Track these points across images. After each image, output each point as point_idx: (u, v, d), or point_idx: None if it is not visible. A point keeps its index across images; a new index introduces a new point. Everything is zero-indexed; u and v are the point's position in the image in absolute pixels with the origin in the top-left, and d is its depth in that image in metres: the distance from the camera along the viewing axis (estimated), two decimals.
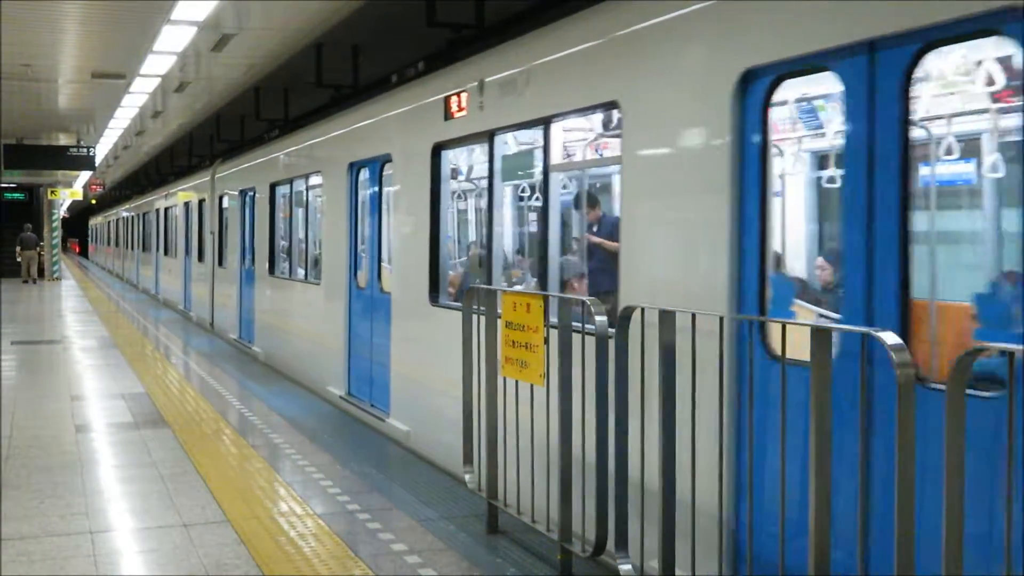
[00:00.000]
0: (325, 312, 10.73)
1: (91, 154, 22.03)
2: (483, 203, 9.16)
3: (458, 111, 7.28)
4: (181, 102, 16.97)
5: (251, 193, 14.88)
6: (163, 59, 12.66)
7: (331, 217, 10.61)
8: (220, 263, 17.31)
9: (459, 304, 6.20)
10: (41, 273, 31.14)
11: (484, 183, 8.14)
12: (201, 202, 19.36)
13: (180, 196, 22.13)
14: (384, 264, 9.32)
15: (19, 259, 30.52)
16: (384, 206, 9.35)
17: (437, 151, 7.71)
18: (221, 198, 17.51)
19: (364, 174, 9.75)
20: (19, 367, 12.28)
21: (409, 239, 8.28)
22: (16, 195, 35.97)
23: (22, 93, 15.52)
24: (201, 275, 19.14)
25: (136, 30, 11.09)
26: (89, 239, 57.76)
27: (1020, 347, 2.67)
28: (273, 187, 13.50)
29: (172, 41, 11.53)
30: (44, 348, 14.17)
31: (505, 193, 8.26)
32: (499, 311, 5.44)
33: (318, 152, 11.36)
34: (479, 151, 8.36)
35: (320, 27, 10.85)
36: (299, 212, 12.92)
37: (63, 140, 22.44)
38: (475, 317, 5.69)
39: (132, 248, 33.59)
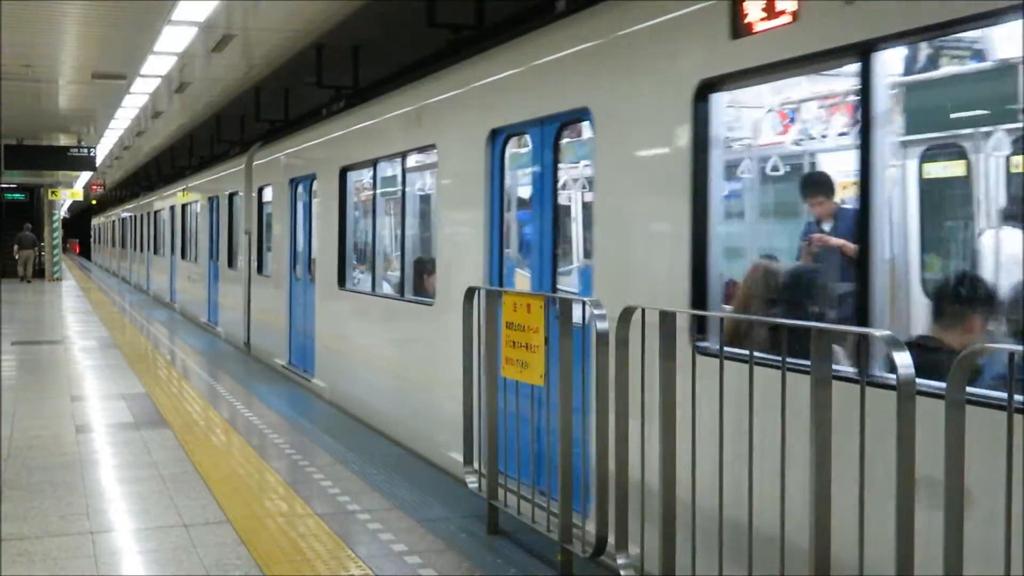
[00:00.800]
0: (444, 345, 7.19)
1: (92, 155, 22.05)
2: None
3: (768, 19, 4.33)
4: (182, 103, 16.98)
5: (308, 182, 11.77)
6: (164, 60, 12.67)
7: (453, 210, 7.58)
8: (260, 270, 14.19)
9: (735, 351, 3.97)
10: (41, 273, 31.29)
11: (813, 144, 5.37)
12: (232, 196, 16.21)
13: (202, 190, 19.05)
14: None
15: (16, 257, 30.69)
16: (563, 190, 6.73)
17: (704, 94, 4.68)
18: (261, 190, 14.27)
19: (520, 144, 6.90)
20: (19, 367, 12.27)
21: (639, 244, 5.24)
22: (17, 195, 35.99)
23: (22, 93, 15.52)
24: (232, 284, 15.86)
25: (137, 31, 11.10)
26: (92, 239, 57.06)
27: (1020, 347, 2.68)
28: (345, 172, 10.22)
29: (173, 42, 11.54)
30: (45, 348, 14.17)
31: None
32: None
33: (428, 119, 8.03)
34: (805, 87, 5.20)
35: (320, 27, 10.85)
36: (387, 205, 9.70)
37: (63, 141, 22.47)
38: (475, 317, 5.69)
39: (141, 250, 30.02)
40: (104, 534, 5.49)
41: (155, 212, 26.50)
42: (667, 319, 4.13)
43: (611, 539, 4.49)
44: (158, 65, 13.05)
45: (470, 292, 5.79)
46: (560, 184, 6.56)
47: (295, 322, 12.21)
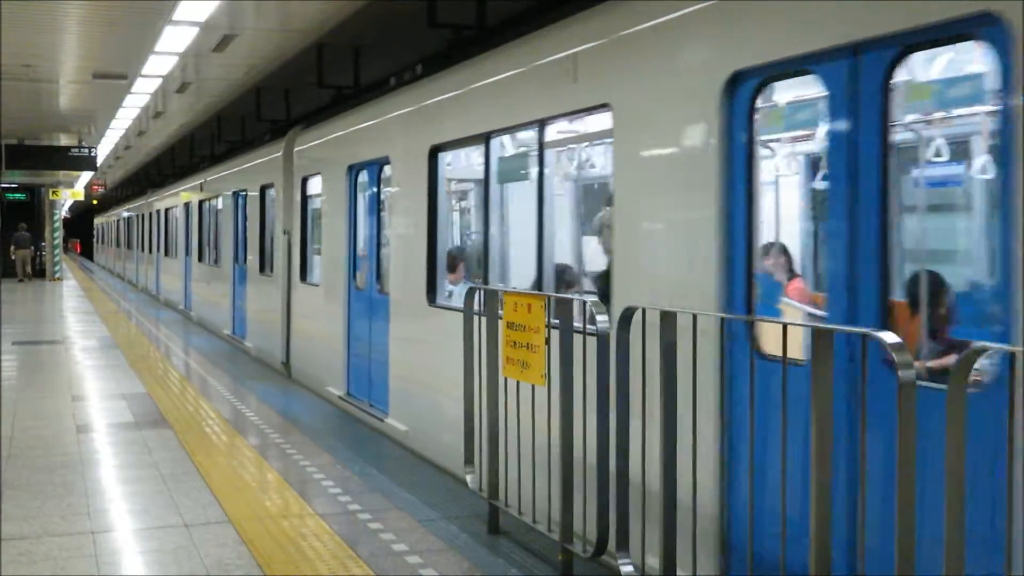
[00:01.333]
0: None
1: (92, 154, 22.09)
2: None
3: None
4: (182, 102, 16.99)
5: (376, 169, 9.42)
6: (164, 59, 12.69)
7: (644, 199, 5.11)
8: (303, 277, 11.87)
9: None
10: (42, 273, 31.53)
11: None
12: (265, 190, 13.75)
13: (224, 184, 16.74)
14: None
15: (13, 258, 30.99)
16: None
17: None
18: (305, 181, 11.85)
19: (837, 83, 3.97)
20: (20, 367, 12.27)
21: None
22: (17, 195, 36.09)
23: (23, 93, 15.55)
24: (265, 293, 13.50)
25: (137, 30, 11.11)
26: (95, 240, 55.94)
27: (1020, 347, 2.68)
28: (435, 153, 7.83)
29: (173, 42, 11.56)
30: (45, 348, 14.17)
31: None
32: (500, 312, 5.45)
33: (592, 69, 5.56)
34: None
35: (321, 28, 10.86)
36: (509, 195, 7.27)
37: (64, 140, 22.50)
38: (476, 317, 5.69)
39: (150, 251, 27.83)
40: (105, 534, 5.49)
41: (166, 210, 24.27)
42: (667, 319, 4.13)
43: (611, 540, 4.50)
44: (159, 65, 13.07)
45: (471, 292, 5.80)
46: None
47: (355, 344, 9.89)
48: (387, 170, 9.02)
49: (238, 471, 6.87)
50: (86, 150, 21.97)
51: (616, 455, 4.42)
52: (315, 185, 11.50)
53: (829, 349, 3.33)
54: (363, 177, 9.83)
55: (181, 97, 16.18)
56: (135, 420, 8.68)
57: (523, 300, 5.13)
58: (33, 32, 11.33)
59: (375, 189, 9.53)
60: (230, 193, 16.07)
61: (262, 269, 13.79)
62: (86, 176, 30.39)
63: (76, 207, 55.35)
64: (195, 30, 10.95)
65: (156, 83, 14.64)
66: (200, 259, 19.07)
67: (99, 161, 23.44)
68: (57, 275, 31.26)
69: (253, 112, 15.54)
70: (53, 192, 31.37)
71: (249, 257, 14.61)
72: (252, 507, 5.97)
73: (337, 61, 11.53)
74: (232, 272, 15.79)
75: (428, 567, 4.93)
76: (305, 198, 11.90)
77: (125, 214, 36.41)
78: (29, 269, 31.13)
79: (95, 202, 48.52)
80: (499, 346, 5.42)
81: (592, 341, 4.62)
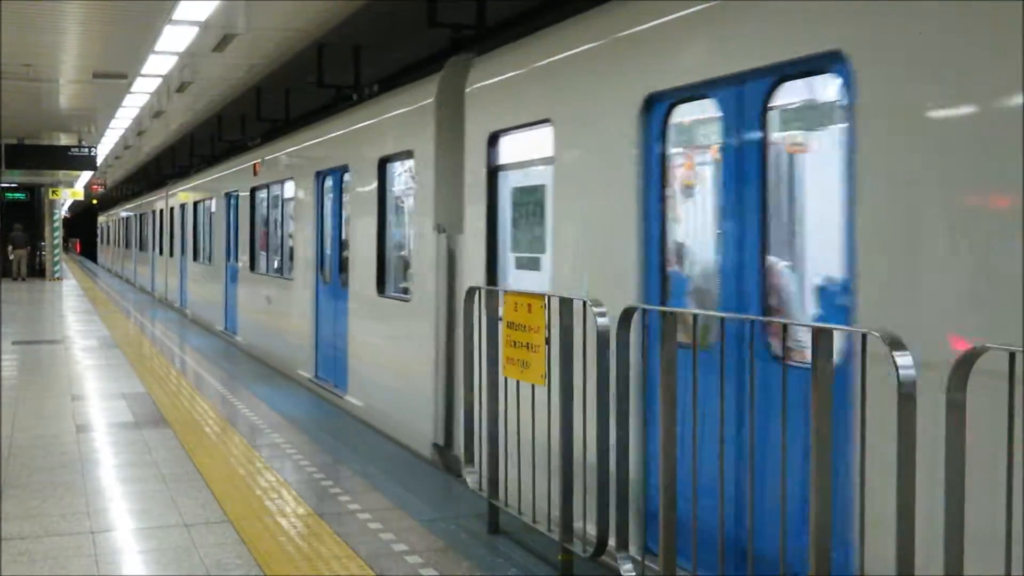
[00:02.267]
0: None
1: (92, 154, 22.11)
2: None
3: None
4: (182, 102, 16.99)
5: (756, 94, 4.26)
6: (164, 59, 12.70)
7: None
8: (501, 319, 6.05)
9: None
10: (40, 272, 31.74)
11: None
12: (385, 164, 9.00)
13: (297, 165, 12.25)
14: None
15: (11, 257, 31.27)
16: None
17: None
18: (495, 140, 6.79)
19: None
20: (20, 367, 12.27)
21: None
22: (18, 195, 36.14)
23: (23, 93, 15.55)
24: (385, 326, 9.03)
25: (138, 30, 11.11)
26: (99, 240, 53.74)
27: (1020, 347, 2.68)
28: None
29: (173, 41, 11.56)
30: (45, 348, 14.17)
31: None
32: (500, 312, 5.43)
33: None
34: None
35: (321, 27, 10.87)
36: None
37: (64, 140, 22.52)
38: (476, 317, 5.69)
39: (170, 254, 23.33)
40: (105, 533, 5.49)
41: (194, 204, 19.84)
42: (667, 319, 4.13)
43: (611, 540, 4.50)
44: (159, 65, 13.07)
45: (471, 291, 5.79)
46: None
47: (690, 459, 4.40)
48: (805, 92, 4.28)
49: (237, 470, 6.85)
50: (86, 150, 21.98)
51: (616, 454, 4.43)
52: (526, 144, 6.48)
53: (829, 348, 3.33)
54: (687, 115, 4.94)
55: (181, 97, 16.18)
56: (135, 420, 8.67)
57: (523, 300, 5.14)
58: (33, 32, 11.33)
59: (755, 138, 4.36)
60: (311, 175, 11.39)
61: (381, 288, 9.10)
62: (86, 176, 30.40)
63: (76, 206, 55.30)
64: (195, 30, 10.95)
65: (156, 83, 14.64)
66: (252, 267, 14.70)
67: (99, 161, 23.45)
68: (57, 275, 31.32)
69: (253, 111, 15.55)
70: (53, 192, 31.44)
71: (354, 269, 9.88)
72: (252, 506, 5.96)
73: (337, 61, 11.53)
74: (315, 289, 11.27)
75: (428, 567, 4.93)
76: (495, 170, 6.87)
77: (134, 212, 32.74)
78: (24, 269, 31.42)
79: (94, 201, 48.47)
80: (499, 346, 5.43)
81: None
